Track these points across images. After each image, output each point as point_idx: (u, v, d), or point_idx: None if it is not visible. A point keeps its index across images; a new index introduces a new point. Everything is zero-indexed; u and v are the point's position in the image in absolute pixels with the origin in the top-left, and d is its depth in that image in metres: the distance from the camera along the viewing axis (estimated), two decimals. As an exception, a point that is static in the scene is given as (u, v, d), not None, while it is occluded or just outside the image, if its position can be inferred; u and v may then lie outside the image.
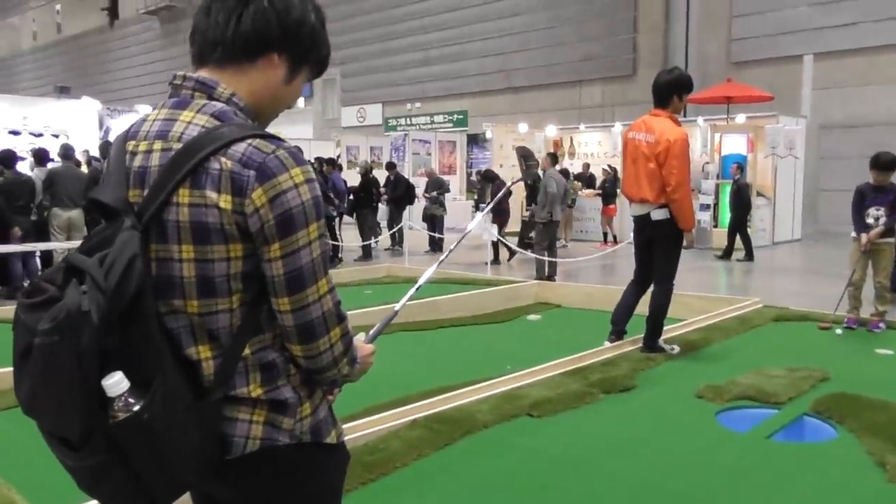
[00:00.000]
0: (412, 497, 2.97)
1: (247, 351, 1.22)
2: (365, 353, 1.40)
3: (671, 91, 4.91)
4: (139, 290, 1.12)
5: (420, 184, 14.55)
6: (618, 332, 5.24)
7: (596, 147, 17.17)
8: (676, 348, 5.14)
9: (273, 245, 1.17)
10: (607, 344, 5.16)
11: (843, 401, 4.00)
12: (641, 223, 5.04)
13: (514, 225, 13.13)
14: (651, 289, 5.14)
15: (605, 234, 14.19)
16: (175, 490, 1.23)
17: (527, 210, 13.32)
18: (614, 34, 20.13)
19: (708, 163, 13.87)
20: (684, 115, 16.29)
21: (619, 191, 14.14)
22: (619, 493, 3.00)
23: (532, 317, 7.01)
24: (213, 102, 1.26)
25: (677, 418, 3.90)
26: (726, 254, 11.71)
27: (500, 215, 11.50)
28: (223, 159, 1.16)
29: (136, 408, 1.10)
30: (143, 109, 13.10)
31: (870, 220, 5.83)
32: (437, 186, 13.61)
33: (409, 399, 4.02)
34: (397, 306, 1.79)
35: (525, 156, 11.28)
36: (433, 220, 13.43)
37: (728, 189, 13.07)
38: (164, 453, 1.15)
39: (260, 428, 1.24)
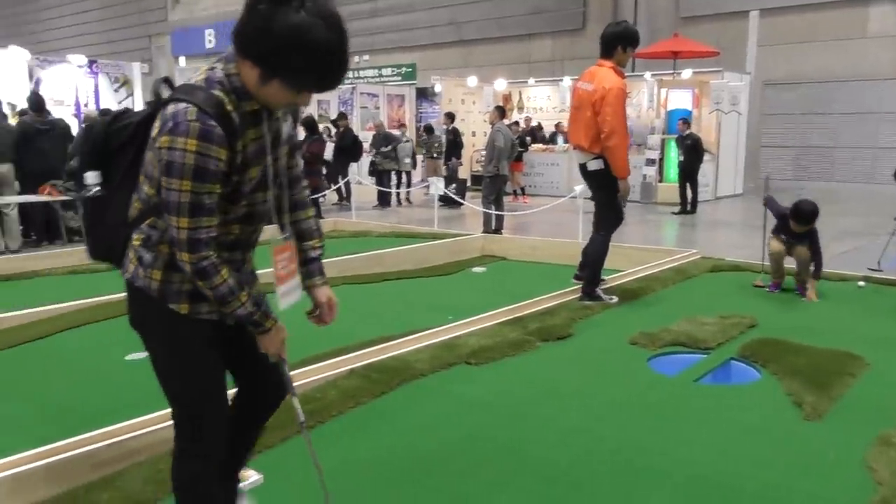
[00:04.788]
0: (347, 443, 2.99)
1: (145, 223, 1.79)
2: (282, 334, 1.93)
3: (616, 42, 4.98)
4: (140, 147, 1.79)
5: (368, 138, 14.35)
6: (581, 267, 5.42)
7: (545, 101, 17.15)
8: (615, 298, 5.25)
9: (162, 177, 1.66)
10: (573, 281, 5.39)
11: (767, 346, 4.16)
12: (582, 172, 5.14)
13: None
14: (591, 236, 5.24)
15: (514, 190, 13.76)
16: (98, 253, 1.91)
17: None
18: (564, -13, 19.97)
19: (654, 117, 14.00)
20: (632, 70, 16.38)
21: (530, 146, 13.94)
22: (548, 437, 3.07)
23: (477, 269, 7.05)
24: (218, 70, 1.68)
25: (610, 364, 3.99)
26: (682, 207, 11.87)
27: (310, 175, 11.33)
28: (170, 107, 1.64)
29: (95, 190, 1.84)
30: (76, 60, 12.33)
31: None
32: (384, 141, 13.43)
33: (347, 350, 4.01)
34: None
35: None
36: (381, 175, 13.30)
37: (673, 144, 13.23)
38: (96, 225, 1.88)
39: (131, 266, 1.83)
